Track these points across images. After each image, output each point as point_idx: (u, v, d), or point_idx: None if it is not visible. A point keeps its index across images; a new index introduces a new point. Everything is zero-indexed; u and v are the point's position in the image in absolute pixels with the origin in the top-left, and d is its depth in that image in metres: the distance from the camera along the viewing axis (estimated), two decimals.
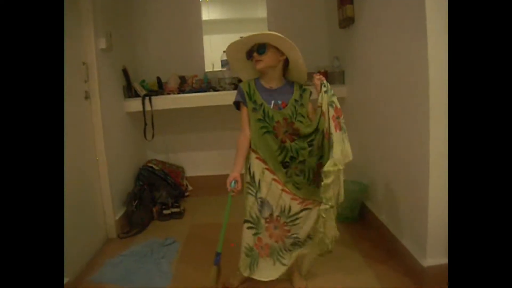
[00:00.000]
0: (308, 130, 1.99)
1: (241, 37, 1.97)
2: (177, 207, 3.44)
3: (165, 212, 3.36)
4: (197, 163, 4.22)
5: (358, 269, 2.38)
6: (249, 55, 2.01)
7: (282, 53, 1.99)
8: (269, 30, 3.98)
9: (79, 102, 2.64)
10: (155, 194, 3.48)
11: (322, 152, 2.01)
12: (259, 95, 2.02)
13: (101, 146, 2.87)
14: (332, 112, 1.93)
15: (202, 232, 2.96)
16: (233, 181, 1.96)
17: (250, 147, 2.04)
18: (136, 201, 3.21)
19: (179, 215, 3.39)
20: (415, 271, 2.19)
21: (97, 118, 2.83)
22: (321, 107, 1.97)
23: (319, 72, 3.73)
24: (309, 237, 2.12)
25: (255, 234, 2.09)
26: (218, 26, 4.22)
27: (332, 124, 1.92)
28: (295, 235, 2.09)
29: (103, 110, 2.86)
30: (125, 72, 3.45)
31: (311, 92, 2.09)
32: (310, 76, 2.09)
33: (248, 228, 2.08)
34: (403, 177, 2.39)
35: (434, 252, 2.09)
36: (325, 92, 1.97)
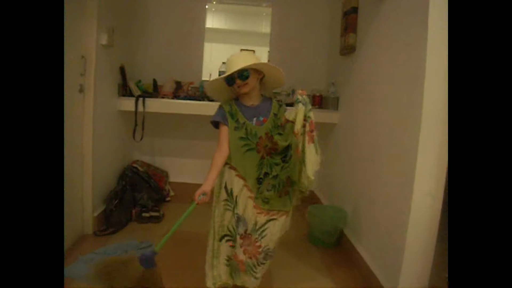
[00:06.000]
0: (284, 143, 2.04)
1: (219, 75, 2.05)
2: (156, 211, 3.42)
3: (144, 214, 3.34)
4: (182, 169, 4.20)
5: None
6: (229, 82, 2.02)
7: (260, 71, 2.05)
8: (270, 46, 4.05)
9: (73, 94, 2.63)
10: (136, 195, 3.46)
11: (293, 166, 2.07)
12: (242, 114, 2.06)
13: (89, 141, 2.85)
14: (307, 127, 2.03)
15: (180, 239, 2.93)
16: (202, 194, 2.00)
17: (226, 164, 2.07)
18: (117, 200, 3.18)
19: (158, 219, 3.37)
20: None
21: (89, 112, 2.82)
22: (293, 123, 2.05)
23: (314, 95, 3.78)
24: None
25: (233, 247, 2.11)
26: (220, 35, 4.25)
27: (306, 138, 2.02)
28: (266, 248, 2.10)
29: (95, 105, 2.85)
30: (122, 70, 3.45)
31: (285, 109, 2.16)
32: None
33: (227, 241, 2.10)
34: (384, 210, 2.41)
35: None
36: (303, 104, 2.04)
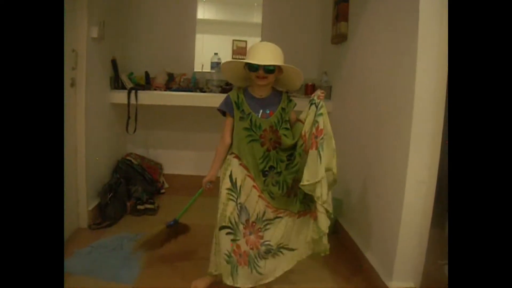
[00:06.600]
0: (290, 142, 2.06)
1: (251, 61, 1.95)
2: (151, 203, 3.42)
3: (139, 207, 3.34)
4: (175, 161, 4.20)
5: (322, 283, 2.40)
6: (253, 68, 1.99)
7: (281, 70, 2.04)
8: (262, 36, 4.04)
9: (65, 89, 2.60)
10: (130, 188, 3.45)
11: (299, 168, 2.05)
12: (247, 105, 2.07)
13: (82, 134, 2.84)
14: (313, 130, 1.96)
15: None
16: (209, 183, 2.16)
17: (231, 153, 2.10)
18: (111, 194, 3.18)
19: (153, 211, 3.37)
20: None
21: (81, 106, 2.81)
22: (303, 123, 2.04)
23: (306, 84, 3.77)
24: (282, 246, 2.13)
25: (233, 241, 2.09)
26: (212, 26, 4.23)
27: (309, 143, 1.98)
28: (267, 242, 2.11)
29: (87, 98, 2.84)
30: (114, 63, 3.43)
31: (295, 104, 2.17)
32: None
33: (227, 234, 2.08)
34: (378, 198, 2.42)
35: (400, 275, 2.13)
36: (316, 106, 1.99)
